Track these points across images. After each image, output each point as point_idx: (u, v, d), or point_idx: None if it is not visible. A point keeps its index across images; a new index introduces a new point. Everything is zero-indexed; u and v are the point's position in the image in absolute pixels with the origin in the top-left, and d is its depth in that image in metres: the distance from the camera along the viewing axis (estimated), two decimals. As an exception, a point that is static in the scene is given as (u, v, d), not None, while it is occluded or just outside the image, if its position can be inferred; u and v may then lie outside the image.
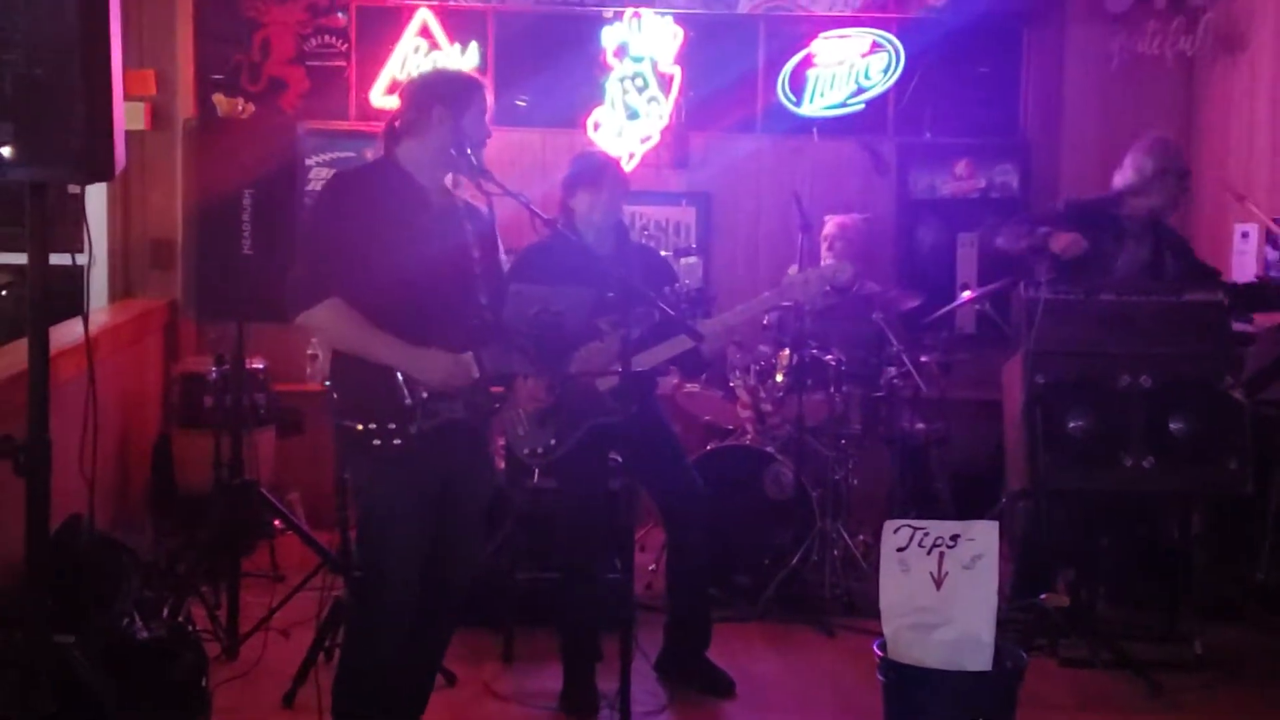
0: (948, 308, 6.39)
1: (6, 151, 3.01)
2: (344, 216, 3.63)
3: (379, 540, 3.72)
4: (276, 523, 5.76)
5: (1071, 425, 4.96)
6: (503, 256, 4.57)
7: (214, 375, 5.70)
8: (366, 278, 3.58)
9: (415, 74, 3.86)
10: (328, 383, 3.74)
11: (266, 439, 6.43)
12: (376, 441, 3.59)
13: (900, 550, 3.52)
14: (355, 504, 3.80)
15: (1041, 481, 5.00)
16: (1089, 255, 5.37)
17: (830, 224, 6.59)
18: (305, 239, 3.74)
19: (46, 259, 3.23)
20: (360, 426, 3.60)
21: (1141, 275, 5.48)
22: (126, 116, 3.36)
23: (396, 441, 3.58)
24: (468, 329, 3.70)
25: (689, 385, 6.29)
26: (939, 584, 3.47)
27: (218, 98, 5.77)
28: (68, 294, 3.73)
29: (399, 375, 3.58)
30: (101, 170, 3.14)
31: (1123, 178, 5.61)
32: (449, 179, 3.90)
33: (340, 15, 7.23)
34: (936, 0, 7.07)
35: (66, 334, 4.44)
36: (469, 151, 3.74)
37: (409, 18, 7.05)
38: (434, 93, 3.79)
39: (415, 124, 3.77)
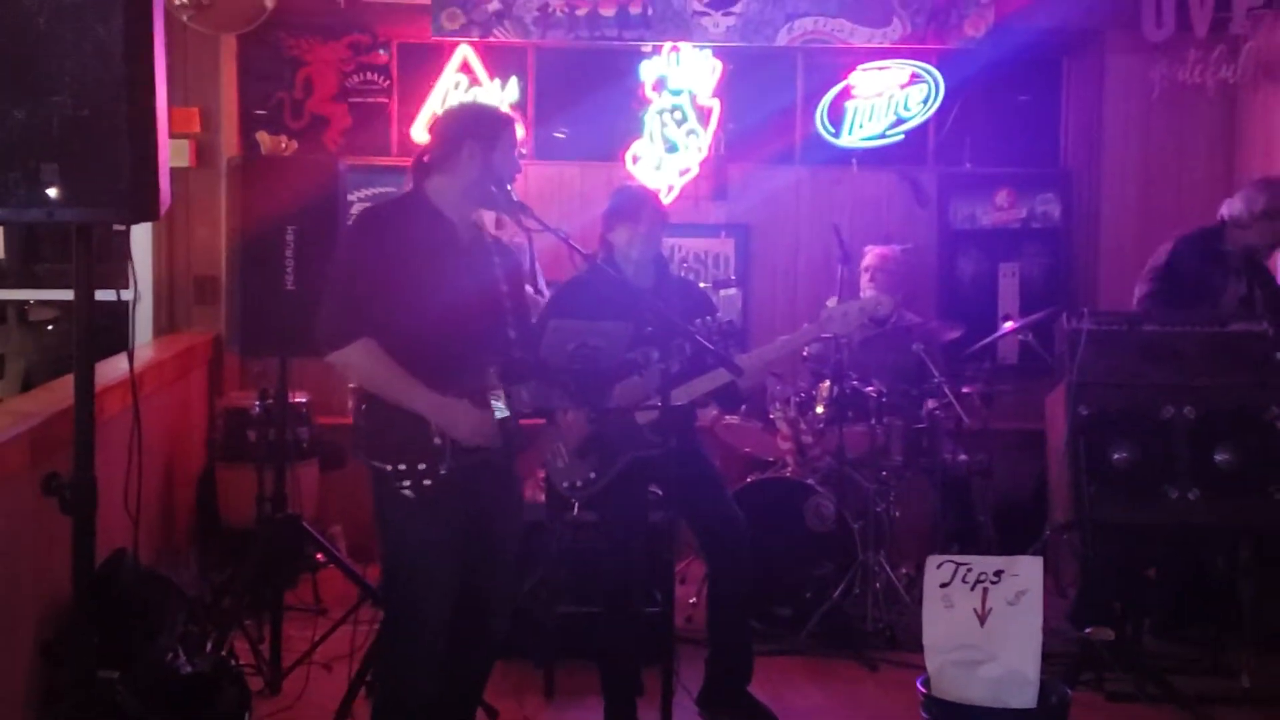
0: (990, 339, 6.38)
1: (53, 192, 3.05)
2: (373, 254, 3.63)
3: (410, 579, 3.71)
4: (319, 556, 5.78)
5: (1116, 457, 4.92)
6: (544, 288, 4.61)
7: (257, 409, 5.73)
8: (395, 315, 3.58)
9: (444, 109, 3.85)
10: (368, 427, 3.71)
11: (309, 473, 6.46)
12: (406, 482, 3.59)
13: (944, 586, 3.50)
14: (382, 540, 3.78)
15: (1086, 514, 4.96)
16: (1199, 289, 5.36)
17: (870, 255, 6.58)
18: (335, 276, 3.72)
19: (92, 298, 3.27)
20: (390, 467, 3.60)
21: (1240, 309, 5.44)
22: (171, 154, 3.40)
23: (427, 482, 3.58)
24: (497, 366, 3.69)
25: (729, 417, 6.27)
26: (983, 620, 3.44)
27: (261, 135, 5.83)
28: (113, 329, 3.78)
29: None
30: (147, 210, 3.18)
31: (1230, 209, 5.59)
32: (491, 216, 3.91)
33: (382, 52, 7.30)
34: (976, 31, 7.05)
35: (112, 370, 4.49)
36: (509, 188, 3.75)
37: (450, 54, 7.09)
38: (464, 128, 3.79)
39: (445, 159, 3.76)
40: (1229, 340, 4.99)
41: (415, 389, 3.58)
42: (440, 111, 6.96)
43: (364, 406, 3.73)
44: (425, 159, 3.83)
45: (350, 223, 3.87)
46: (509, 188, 3.76)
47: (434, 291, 3.63)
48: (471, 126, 3.79)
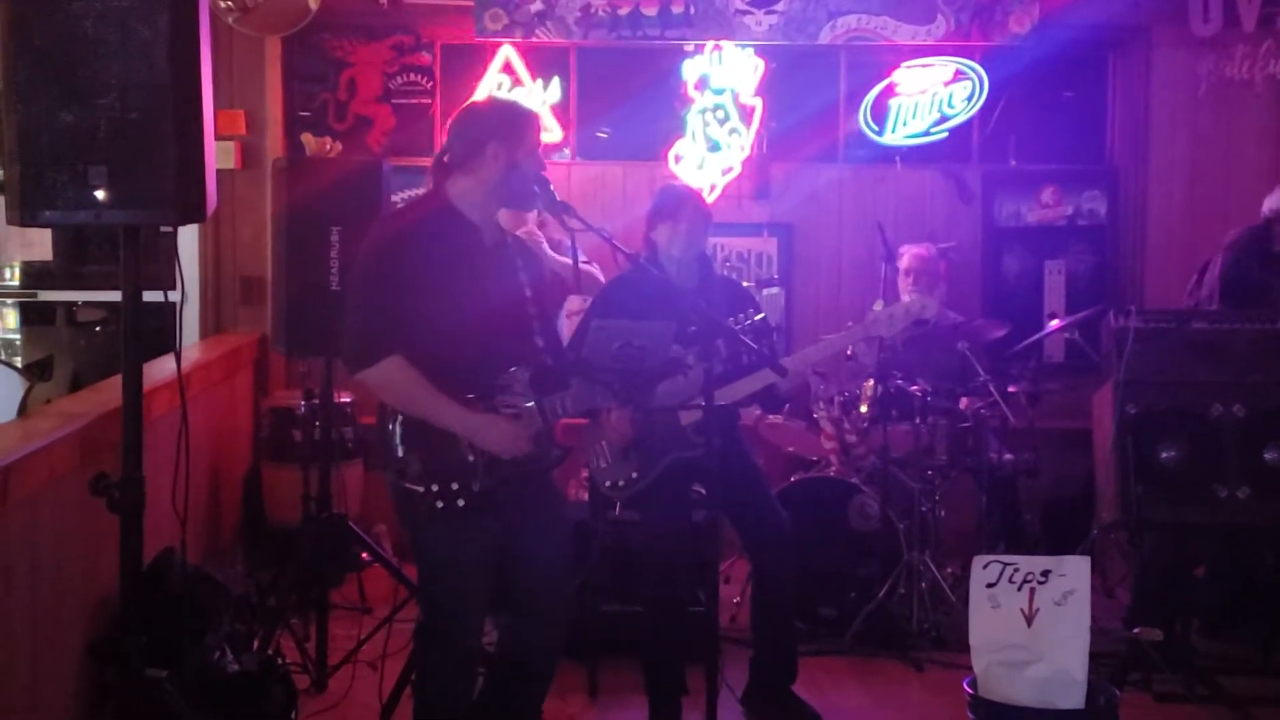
0: (1035, 337, 6.33)
1: (101, 194, 3.08)
2: (395, 266, 3.52)
3: (441, 595, 3.66)
4: (364, 555, 5.80)
5: (1164, 456, 4.88)
6: (582, 290, 4.59)
7: (303, 409, 5.77)
8: (422, 327, 3.50)
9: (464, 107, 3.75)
10: (399, 447, 3.59)
11: (354, 472, 6.50)
12: (440, 503, 3.52)
13: (990, 586, 3.48)
14: (414, 554, 3.72)
15: (1133, 513, 4.92)
16: (1252, 287, 5.32)
17: (906, 256, 6.52)
18: (360, 287, 3.63)
19: (140, 299, 3.30)
20: (422, 489, 3.51)
21: None
22: (217, 156, 3.43)
23: (460, 502, 3.52)
24: (527, 375, 3.63)
25: (772, 416, 6.26)
26: (1030, 620, 3.42)
27: (306, 137, 5.87)
28: (160, 330, 3.80)
29: None
30: (193, 211, 3.20)
31: (1270, 204, 5.55)
32: (533, 216, 3.90)
33: (425, 53, 7.32)
34: (1021, 28, 7.00)
35: (159, 370, 4.52)
36: (537, 188, 3.67)
37: (492, 55, 7.11)
38: (488, 127, 3.67)
39: (467, 160, 3.65)
40: (1278, 337, 4.94)
41: (447, 405, 3.50)
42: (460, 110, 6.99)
43: (390, 426, 3.60)
44: (445, 159, 3.72)
45: (371, 232, 3.72)
46: (551, 187, 3.72)
47: (460, 301, 3.55)
48: (495, 125, 3.67)
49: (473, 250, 3.65)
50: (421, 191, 6.85)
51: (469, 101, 4.39)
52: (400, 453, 3.57)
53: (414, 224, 3.67)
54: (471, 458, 3.53)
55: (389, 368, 3.50)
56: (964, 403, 6.00)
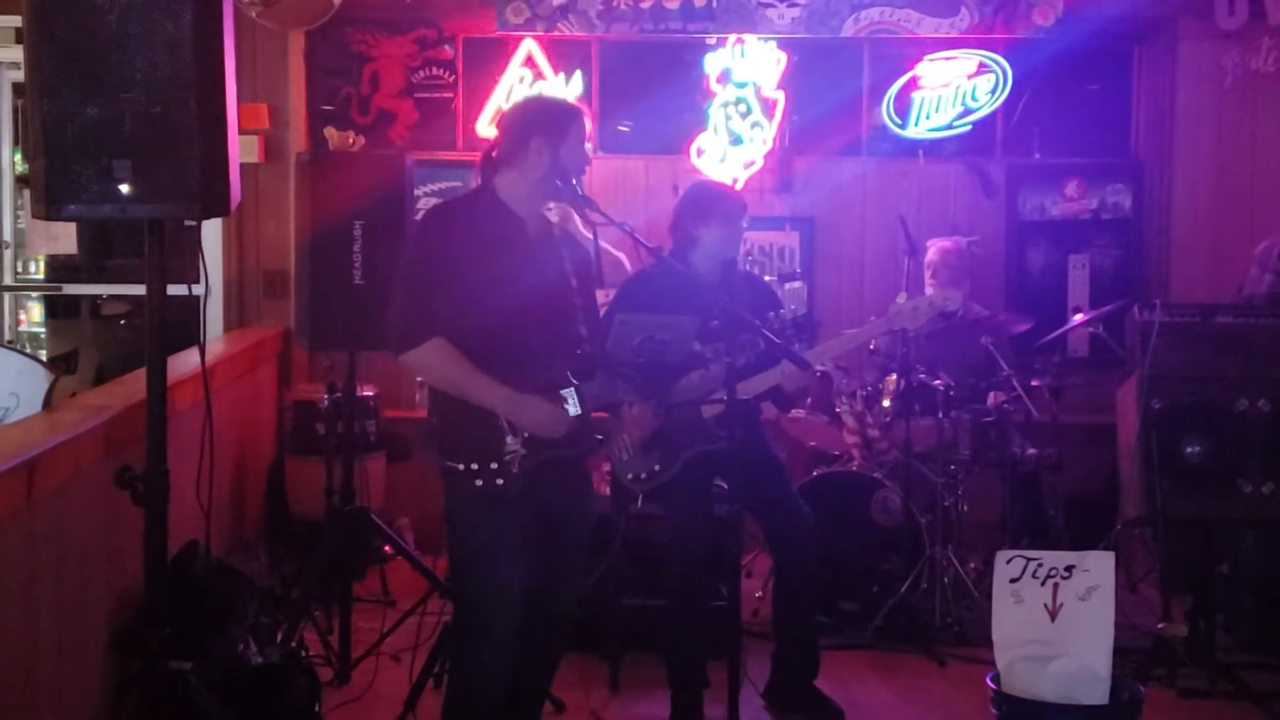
0: (1059, 331, 6.30)
1: (126, 188, 3.09)
2: (443, 252, 3.62)
3: (481, 577, 3.71)
4: (386, 548, 5.82)
5: (1188, 451, 4.86)
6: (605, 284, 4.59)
7: (326, 403, 5.78)
8: (466, 312, 3.57)
9: (512, 103, 3.82)
10: (441, 427, 3.71)
11: (377, 465, 6.52)
12: (479, 482, 3.58)
13: (1013, 581, 3.46)
14: (451, 536, 3.78)
15: (1158, 508, 4.89)
16: None
17: (932, 250, 6.51)
18: (405, 274, 3.71)
19: (164, 293, 3.31)
20: (462, 466, 3.60)
21: None
22: (240, 150, 3.43)
23: (499, 481, 3.58)
24: (568, 362, 3.68)
25: (795, 410, 6.25)
26: (1054, 616, 3.40)
27: (329, 131, 5.87)
28: (184, 324, 3.82)
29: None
30: (218, 206, 3.21)
31: None
32: (556, 210, 3.91)
33: (447, 47, 7.33)
34: (1045, 20, 6.98)
35: (183, 363, 4.54)
36: (575, 182, 3.74)
37: (514, 48, 7.12)
38: (531, 123, 3.76)
39: (513, 155, 3.74)
40: (1304, 332, 4.92)
41: (488, 385, 3.58)
42: (507, 106, 7.00)
43: (436, 405, 3.73)
44: (493, 154, 3.81)
45: (418, 220, 3.84)
46: (574, 181, 3.75)
47: (504, 288, 3.63)
48: (538, 121, 3.76)
49: (517, 241, 3.72)
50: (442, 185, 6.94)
51: (520, 99, 4.43)
52: (441, 431, 3.68)
53: (460, 214, 3.79)
54: (511, 439, 3.59)
55: (430, 349, 3.57)
56: (990, 398, 5.98)
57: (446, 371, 3.61)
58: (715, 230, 4.72)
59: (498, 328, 3.61)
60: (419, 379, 6.89)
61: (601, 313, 4.11)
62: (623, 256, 5.92)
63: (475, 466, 3.58)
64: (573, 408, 3.65)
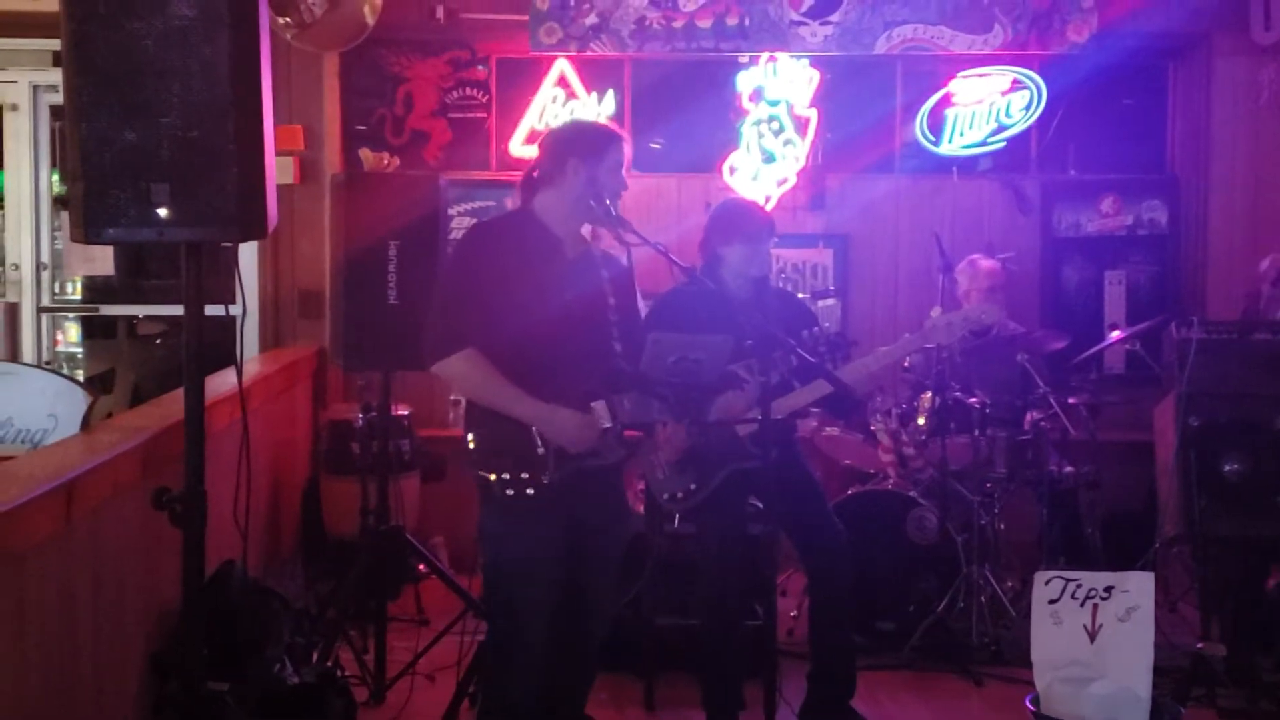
0: (1096, 348, 6.26)
1: (164, 212, 3.11)
2: (480, 267, 3.69)
3: (512, 589, 3.74)
4: (421, 567, 5.83)
5: (1227, 469, 4.83)
6: (640, 303, 4.59)
7: (361, 422, 5.80)
8: (500, 327, 3.62)
9: (554, 125, 3.90)
10: (473, 437, 3.74)
11: (411, 484, 6.52)
12: (510, 491, 3.60)
13: (1052, 602, 3.44)
14: (483, 549, 3.82)
15: (1196, 527, 4.86)
16: None
17: (971, 267, 6.48)
18: (442, 288, 3.81)
19: (202, 314, 3.33)
20: (494, 476, 3.62)
21: None
22: (276, 171, 3.45)
23: (530, 491, 3.59)
24: (601, 377, 3.70)
25: (829, 428, 6.23)
26: (1093, 637, 3.38)
27: (364, 152, 5.91)
28: (220, 344, 3.84)
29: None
30: (255, 228, 3.23)
31: None
32: (587, 229, 3.93)
33: (481, 68, 7.36)
34: (1079, 36, 6.95)
35: (220, 384, 4.56)
36: (607, 202, 3.77)
37: (547, 68, 7.14)
38: (570, 145, 3.84)
39: (551, 176, 3.82)
40: (1345, 349, 4.88)
41: (519, 396, 3.62)
42: (539, 126, 7.03)
43: (468, 416, 3.77)
44: (534, 175, 3.88)
45: (460, 237, 3.96)
46: (608, 202, 3.77)
47: (537, 303, 3.67)
48: (577, 143, 3.85)
49: (553, 259, 3.78)
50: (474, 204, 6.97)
51: (562, 122, 4.47)
52: (474, 440, 3.71)
53: (498, 231, 3.89)
54: (541, 449, 3.61)
55: (462, 360, 3.64)
56: (1024, 415, 5.95)
57: (477, 381, 3.67)
58: (738, 248, 4.72)
59: (530, 341, 3.65)
60: (453, 398, 6.94)
61: None
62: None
63: (506, 476, 3.61)
64: (604, 420, 3.67)
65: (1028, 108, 7.20)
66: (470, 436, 3.74)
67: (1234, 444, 4.83)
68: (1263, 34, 7.00)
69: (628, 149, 3.91)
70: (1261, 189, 7.26)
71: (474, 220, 6.94)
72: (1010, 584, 6.02)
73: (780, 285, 6.82)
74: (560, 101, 7.13)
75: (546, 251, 3.77)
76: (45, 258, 7.34)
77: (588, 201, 3.77)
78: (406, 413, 6.55)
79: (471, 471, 3.71)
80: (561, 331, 3.69)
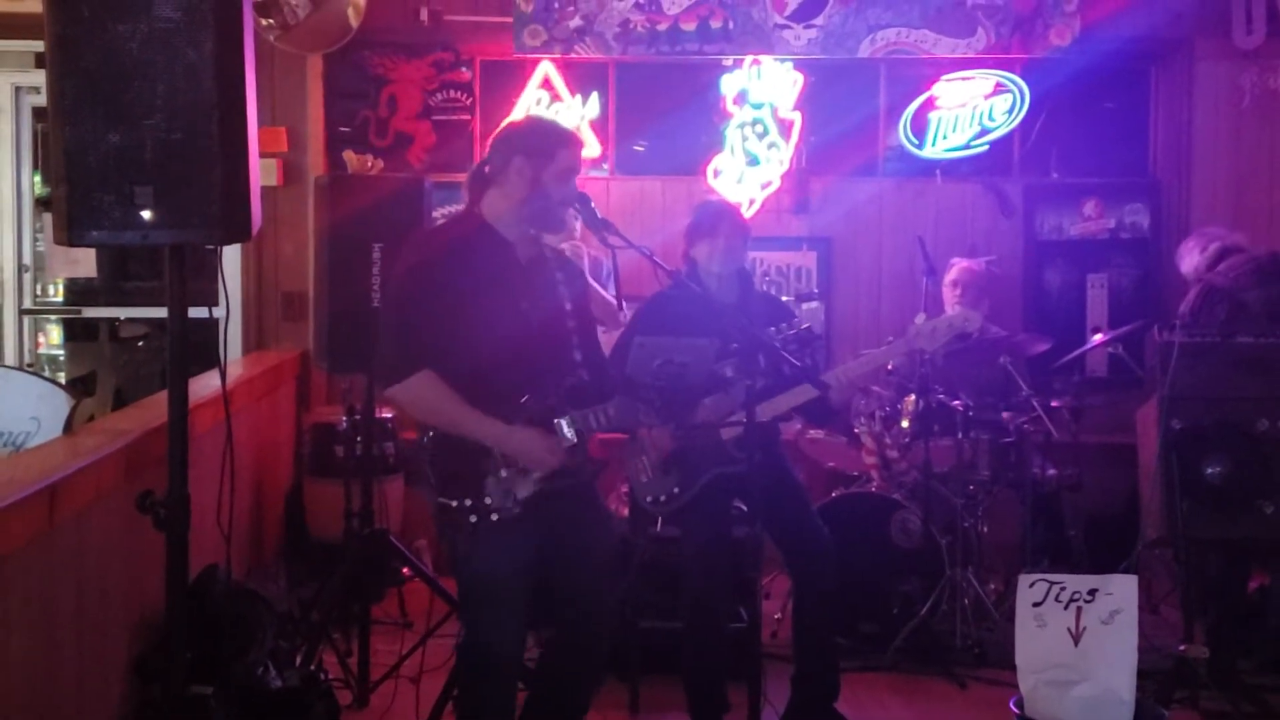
0: (1078, 351, 6.29)
1: (147, 215, 3.09)
2: (431, 285, 3.55)
3: (480, 610, 3.68)
4: (405, 570, 5.82)
5: (1209, 471, 4.83)
6: (624, 306, 4.59)
7: (344, 425, 5.79)
8: (456, 346, 3.52)
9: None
10: (432, 463, 3.64)
11: (395, 487, 6.52)
12: (474, 518, 3.54)
13: (1036, 605, 3.46)
14: (452, 567, 3.76)
15: (1178, 529, 4.87)
16: None
17: (955, 269, 6.52)
18: (393, 307, 3.67)
19: (185, 317, 3.31)
20: (455, 504, 3.55)
21: None
22: (260, 174, 3.44)
23: (494, 516, 3.54)
24: (563, 391, 3.65)
25: (813, 431, 6.24)
26: (1077, 640, 3.40)
27: (348, 154, 5.90)
28: (203, 345, 3.83)
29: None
30: (239, 231, 3.22)
31: None
32: (578, 229, 3.88)
33: (465, 70, 7.35)
34: (1062, 40, 6.98)
35: (202, 386, 4.56)
36: (578, 206, 3.68)
37: (531, 71, 7.14)
38: (516, 143, 3.70)
39: (497, 174, 3.69)
40: (1326, 352, 4.90)
41: (478, 419, 3.53)
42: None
43: (426, 440, 3.65)
44: (485, 170, 3.75)
45: (406, 251, 3.75)
46: (592, 204, 3.72)
47: (494, 317, 3.57)
48: (521, 142, 3.70)
49: (507, 268, 3.67)
50: (461, 206, 6.96)
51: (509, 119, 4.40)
52: (434, 466, 3.61)
53: (448, 244, 3.70)
54: (504, 472, 3.55)
55: (418, 383, 3.53)
56: (1006, 417, 5.97)
57: (435, 405, 3.56)
58: (704, 246, 4.73)
59: (487, 358, 3.56)
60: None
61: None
62: (609, 297, 5.78)
63: (469, 503, 3.53)
64: (568, 437, 3.62)
65: (1011, 111, 7.22)
66: (429, 461, 3.63)
67: (1216, 447, 4.83)
68: (1244, 38, 7.04)
69: (581, 151, 3.78)
70: (1244, 193, 7.29)
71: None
72: (994, 586, 6.04)
73: (764, 289, 6.83)
74: (544, 104, 7.12)
75: (499, 260, 3.65)
76: (27, 260, 7.31)
77: (535, 205, 3.66)
78: (390, 415, 6.53)
79: (430, 498, 3.62)
80: (520, 346, 3.59)
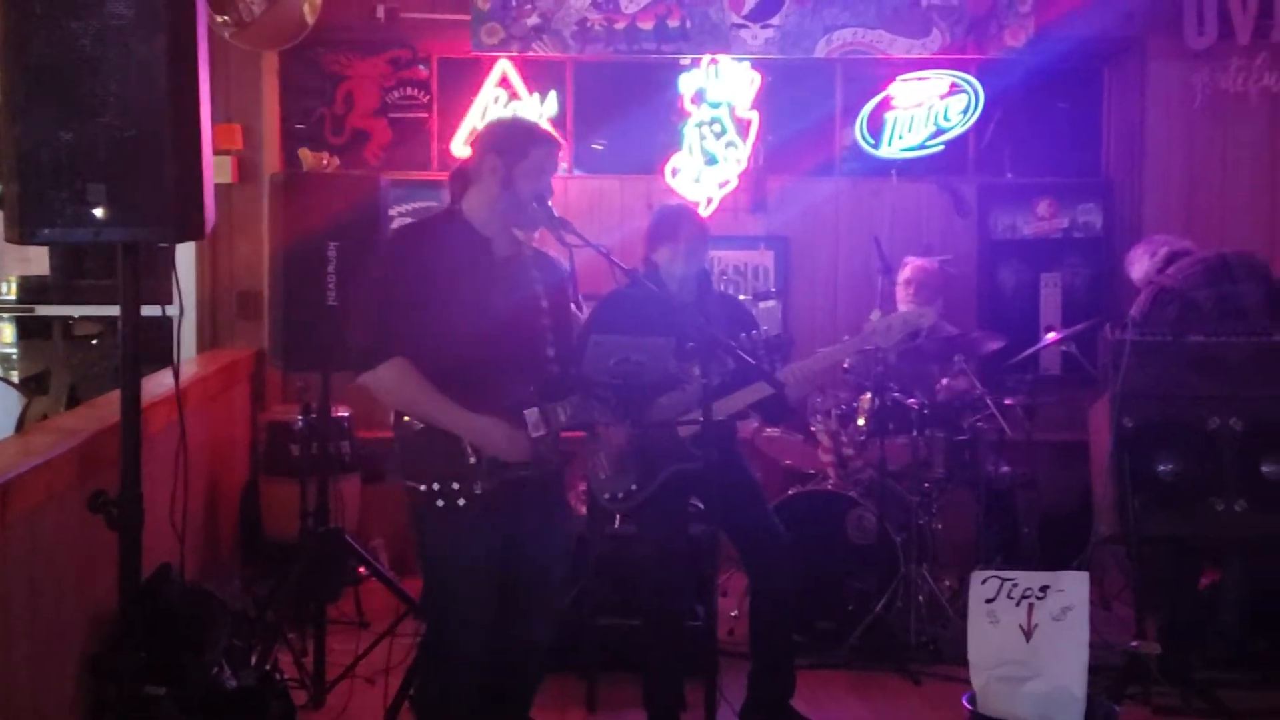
0: (1032, 350, 6.33)
1: (100, 212, 3.08)
2: (406, 273, 3.60)
3: (447, 598, 3.72)
4: (361, 569, 5.80)
5: (1161, 469, 4.88)
6: (581, 305, 4.59)
7: (300, 424, 5.77)
8: (428, 333, 3.56)
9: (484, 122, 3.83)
10: (403, 448, 3.69)
11: (351, 486, 6.50)
12: (440, 502, 3.58)
13: (989, 601, 3.47)
14: (420, 558, 3.79)
15: (1130, 526, 4.92)
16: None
17: (909, 268, 6.55)
18: (367, 295, 3.68)
19: (138, 316, 3.29)
20: (424, 487, 3.59)
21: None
22: (214, 171, 3.42)
23: (461, 502, 3.57)
24: (534, 384, 3.68)
25: (770, 430, 6.26)
26: (1029, 636, 3.42)
27: (303, 152, 5.87)
28: (156, 343, 3.80)
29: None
30: (193, 228, 3.20)
31: None
32: (537, 230, 3.89)
33: (422, 67, 7.33)
34: (1016, 41, 7.03)
35: (156, 385, 4.52)
36: (535, 205, 3.70)
37: (489, 69, 7.12)
38: (490, 141, 3.77)
39: (473, 173, 3.75)
40: (1275, 350, 4.95)
41: (448, 408, 3.57)
42: (481, 126, 7.00)
43: (398, 427, 3.70)
44: (466, 170, 3.81)
45: (385, 240, 3.82)
46: (549, 203, 3.74)
47: (467, 309, 3.60)
48: (494, 141, 3.77)
49: (482, 262, 3.70)
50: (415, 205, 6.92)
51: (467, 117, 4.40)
52: (403, 451, 3.66)
53: (423, 235, 3.79)
54: (473, 460, 3.58)
55: (390, 370, 3.56)
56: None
57: (406, 393, 3.60)
58: (666, 250, 4.74)
59: (459, 349, 3.59)
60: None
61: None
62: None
63: (437, 487, 3.58)
64: (536, 429, 3.65)
65: (965, 111, 7.26)
66: (399, 446, 3.68)
67: (1168, 445, 4.88)
68: (1196, 38, 7.11)
69: (558, 151, 3.83)
70: (1196, 193, 7.37)
71: (411, 219, 6.90)
72: (948, 583, 6.08)
73: (722, 288, 6.85)
74: (502, 102, 7.11)
75: (474, 254, 3.70)
76: (-21, 257, 7.24)
77: (510, 203, 3.70)
78: (346, 414, 6.51)
79: (402, 482, 3.68)
80: (492, 338, 3.63)
